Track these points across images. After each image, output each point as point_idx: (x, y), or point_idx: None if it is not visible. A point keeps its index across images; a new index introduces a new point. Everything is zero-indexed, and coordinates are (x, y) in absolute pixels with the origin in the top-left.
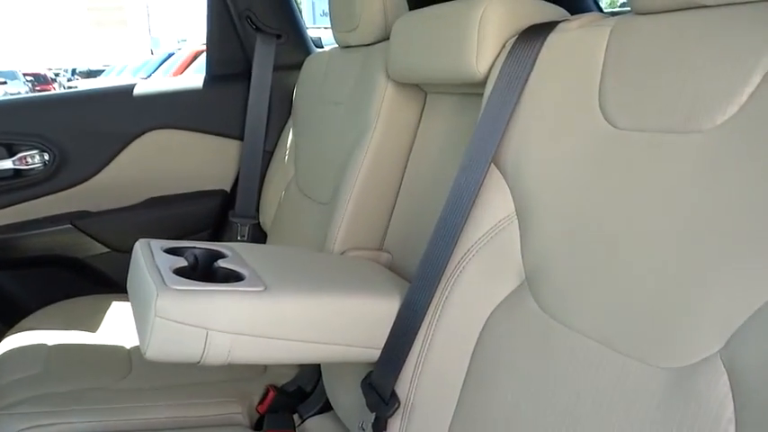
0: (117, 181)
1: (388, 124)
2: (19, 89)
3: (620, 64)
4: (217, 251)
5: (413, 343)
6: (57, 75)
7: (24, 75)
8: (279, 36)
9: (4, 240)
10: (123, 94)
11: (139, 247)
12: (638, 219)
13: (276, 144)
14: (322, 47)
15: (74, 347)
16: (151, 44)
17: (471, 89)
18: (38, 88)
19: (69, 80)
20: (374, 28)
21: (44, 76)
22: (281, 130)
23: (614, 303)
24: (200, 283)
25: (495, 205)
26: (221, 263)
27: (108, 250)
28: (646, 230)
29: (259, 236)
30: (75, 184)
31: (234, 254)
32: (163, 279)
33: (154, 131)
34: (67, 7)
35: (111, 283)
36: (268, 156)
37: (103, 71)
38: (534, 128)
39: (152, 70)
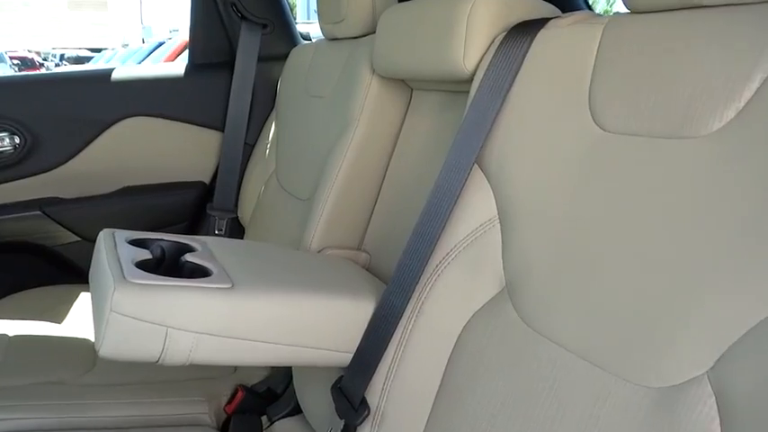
0: (91, 168)
1: (372, 120)
2: (4, 73)
3: (612, 64)
4: (185, 244)
5: (386, 348)
6: (45, 59)
7: (11, 58)
8: (265, 26)
9: None
10: (101, 79)
11: (103, 237)
12: (626, 228)
13: (258, 137)
14: (310, 41)
15: (36, 339)
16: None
17: (458, 86)
18: (23, 72)
19: (57, 65)
20: (361, 20)
21: (31, 60)
22: (264, 123)
23: (598, 316)
24: (162, 277)
25: (478, 207)
26: (189, 257)
27: (78, 239)
28: (634, 240)
29: (237, 230)
30: (46, 170)
31: (203, 248)
32: (122, 272)
33: (131, 118)
34: None
35: (81, 273)
36: (249, 149)
37: (92, 58)
38: (520, 128)
39: (141, 59)
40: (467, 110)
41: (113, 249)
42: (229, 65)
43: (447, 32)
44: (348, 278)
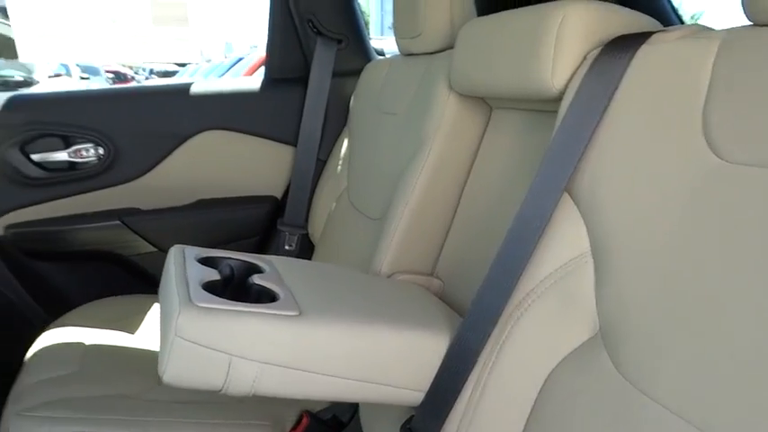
0: (168, 180)
1: (448, 139)
2: (101, 85)
3: (731, 84)
4: (254, 265)
5: (461, 390)
6: (136, 73)
7: (106, 72)
8: (339, 41)
9: (55, 233)
10: (180, 93)
11: (173, 254)
12: (747, 274)
13: (330, 153)
14: (384, 56)
15: (110, 349)
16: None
17: (544, 106)
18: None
19: (147, 79)
20: (439, 35)
21: (124, 74)
22: (336, 139)
23: (711, 378)
24: (228, 302)
25: (567, 240)
26: (256, 279)
27: (155, 250)
28: (757, 290)
29: (307, 247)
30: (126, 181)
31: (271, 269)
32: (189, 294)
33: (208, 132)
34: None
35: (156, 282)
36: (321, 164)
37: (178, 72)
38: (618, 154)
39: (222, 73)
40: (555, 131)
41: (182, 267)
42: (304, 80)
43: (533, 47)
44: (421, 309)
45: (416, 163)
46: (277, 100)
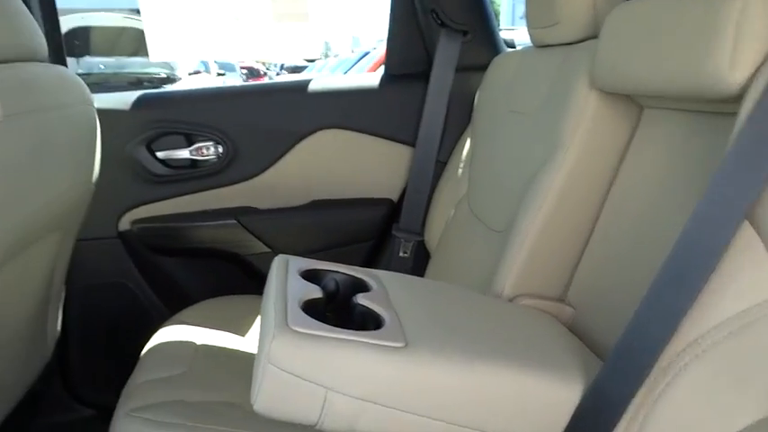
0: (283, 179)
1: (587, 144)
2: (236, 81)
3: None
4: (360, 281)
5: None
6: (268, 69)
7: (241, 68)
8: (465, 33)
9: (175, 229)
10: (298, 91)
11: (275, 267)
12: None
13: (451, 154)
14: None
15: (219, 351)
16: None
17: (713, 107)
18: (250, 81)
19: (278, 74)
20: (579, 23)
21: (257, 71)
22: (458, 139)
23: None
24: (326, 326)
25: (748, 282)
26: (361, 298)
27: (269, 250)
28: None
29: (422, 256)
30: (243, 179)
31: (378, 286)
32: (286, 315)
33: (324, 130)
34: None
35: None
36: (441, 166)
37: (306, 67)
38: None
39: (348, 68)
40: (733, 139)
41: (284, 282)
42: (425, 76)
43: (704, 37)
44: (550, 345)
45: (549, 169)
46: (396, 97)
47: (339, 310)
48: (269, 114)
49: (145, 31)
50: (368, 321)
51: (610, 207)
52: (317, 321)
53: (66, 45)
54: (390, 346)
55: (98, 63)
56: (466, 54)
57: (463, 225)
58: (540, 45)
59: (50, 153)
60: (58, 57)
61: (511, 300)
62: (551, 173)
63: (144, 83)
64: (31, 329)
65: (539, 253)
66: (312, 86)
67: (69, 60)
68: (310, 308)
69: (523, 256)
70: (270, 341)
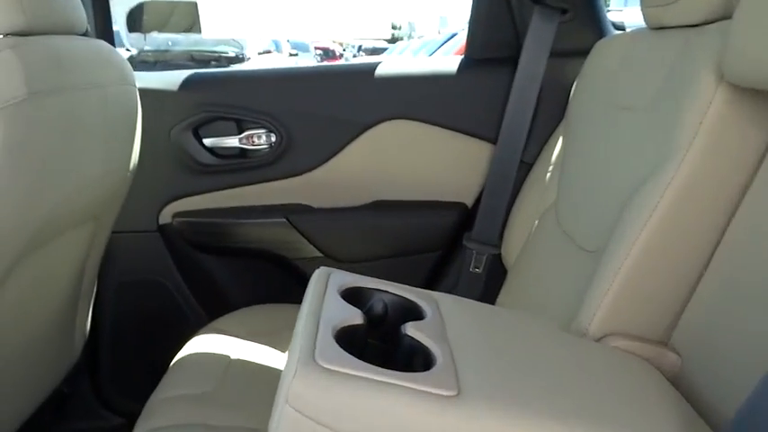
0: (342, 175)
1: (711, 150)
2: (309, 62)
3: None
4: (413, 305)
5: None
6: (344, 50)
7: (315, 48)
8: (564, 11)
9: (219, 225)
10: (363, 75)
11: (313, 282)
12: None
13: (538, 155)
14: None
15: (254, 368)
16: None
17: None
18: (324, 62)
19: (354, 56)
20: (705, 1)
21: (332, 51)
22: (548, 138)
23: None
24: (361, 363)
25: None
26: (411, 329)
27: (320, 255)
28: None
29: (498, 273)
30: (297, 174)
31: (433, 315)
32: (314, 346)
33: (391, 121)
34: None
35: None
36: (525, 168)
37: (386, 49)
38: None
39: (433, 50)
40: None
41: (319, 302)
42: (513, 61)
43: None
44: (646, 403)
45: (659, 179)
46: (477, 85)
47: (384, 338)
48: (329, 101)
49: (198, 6)
50: (416, 358)
51: (736, 231)
52: (350, 356)
53: (133, 20)
54: (438, 395)
55: (166, 40)
56: (563, 36)
57: (548, 240)
58: (655, 27)
59: (83, 136)
60: (105, 32)
61: (599, 339)
62: (662, 184)
63: (211, 62)
64: (59, 327)
65: (638, 282)
66: (380, 70)
67: (135, 36)
68: (347, 336)
69: (618, 286)
70: (291, 378)
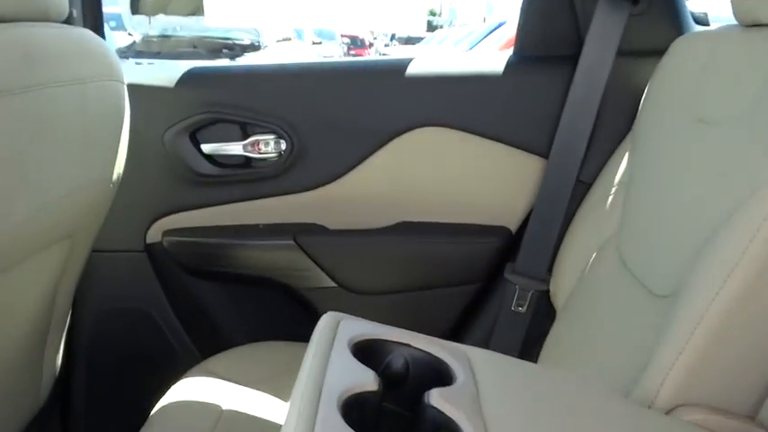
0: (363, 191)
1: None
2: (334, 51)
3: None
4: (442, 364)
5: None
6: (375, 38)
7: (342, 36)
8: (635, 2)
9: (216, 246)
10: (392, 74)
11: (318, 332)
12: None
13: (599, 173)
14: (708, 27)
15: (251, 422)
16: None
17: None
18: (352, 52)
19: (386, 46)
20: None
21: (362, 40)
22: (612, 153)
23: None
24: None
25: None
26: (436, 398)
27: (334, 285)
28: None
29: (545, 312)
30: (309, 188)
31: (465, 379)
32: (314, 421)
33: (423, 129)
34: None
35: None
36: (583, 189)
37: (423, 38)
38: None
39: (476, 42)
40: None
41: (325, 359)
42: (572, 60)
43: None
44: None
45: (754, 211)
46: (527, 88)
47: (404, 403)
48: (350, 103)
49: None
50: None
51: None
52: None
53: (137, 1)
54: None
55: (173, 23)
56: (633, 32)
57: (607, 278)
58: (748, 23)
59: (56, 141)
60: (93, 18)
61: (669, 411)
62: (758, 216)
63: (222, 50)
64: (24, 366)
65: (723, 339)
66: (412, 68)
67: (140, 19)
68: (357, 406)
69: (696, 344)
70: None
